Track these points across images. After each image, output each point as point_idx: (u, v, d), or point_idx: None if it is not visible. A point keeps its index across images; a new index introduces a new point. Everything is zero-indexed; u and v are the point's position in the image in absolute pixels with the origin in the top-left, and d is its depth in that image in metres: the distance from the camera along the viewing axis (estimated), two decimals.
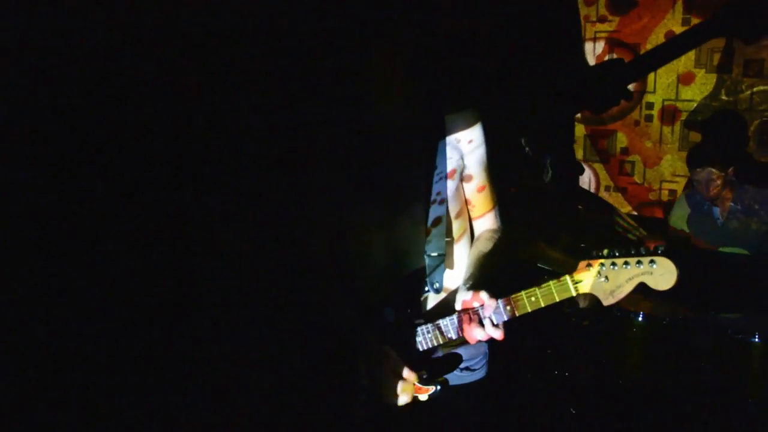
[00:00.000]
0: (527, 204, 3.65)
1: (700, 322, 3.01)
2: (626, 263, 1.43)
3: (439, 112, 1.68)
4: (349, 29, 1.58)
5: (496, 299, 1.53)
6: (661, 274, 1.41)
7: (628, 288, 1.44)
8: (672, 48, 3.98)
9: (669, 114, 4.11)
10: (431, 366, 1.68)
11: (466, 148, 1.70)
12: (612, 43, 4.23)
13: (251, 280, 1.85)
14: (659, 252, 1.40)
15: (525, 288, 1.52)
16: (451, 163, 1.67)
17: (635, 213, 4.30)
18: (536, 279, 1.57)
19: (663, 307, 3.09)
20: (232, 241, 1.88)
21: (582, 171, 4.33)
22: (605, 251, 1.45)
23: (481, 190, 1.76)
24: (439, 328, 1.62)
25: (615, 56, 4.22)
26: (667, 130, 4.14)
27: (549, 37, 4.03)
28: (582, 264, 1.47)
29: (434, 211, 1.66)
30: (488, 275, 1.68)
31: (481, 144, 1.72)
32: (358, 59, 1.59)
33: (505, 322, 1.55)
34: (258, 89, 1.95)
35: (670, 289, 2.84)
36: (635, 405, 3.05)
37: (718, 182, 3.40)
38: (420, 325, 1.65)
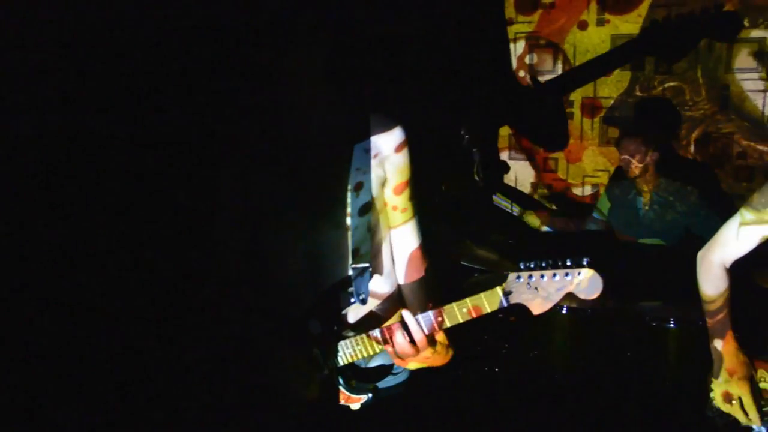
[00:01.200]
0: (456, 203, 3.71)
1: (620, 311, 3.13)
2: (554, 274, 1.48)
3: (358, 115, 1.65)
4: (265, 29, 1.54)
5: (425, 311, 1.56)
6: (587, 285, 1.46)
7: (557, 298, 1.49)
8: (600, 65, 4.15)
9: (588, 111, 4.26)
10: (361, 375, 1.70)
11: (385, 152, 1.65)
12: (532, 43, 4.34)
13: (157, 282, 1.79)
14: (585, 264, 1.45)
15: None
16: (372, 168, 1.64)
17: (555, 208, 4.44)
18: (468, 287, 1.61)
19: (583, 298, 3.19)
20: (142, 242, 1.81)
21: (507, 169, 4.43)
22: (533, 263, 1.49)
23: (399, 197, 1.72)
24: (368, 339, 1.63)
25: (535, 56, 4.33)
26: (587, 126, 4.28)
27: (475, 41, 4.09)
28: (512, 275, 1.51)
29: (358, 218, 1.64)
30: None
31: (402, 149, 1.67)
32: (276, 60, 1.56)
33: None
34: (172, 90, 1.88)
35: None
36: (565, 396, 3.15)
37: (643, 159, 3.52)
38: (348, 335, 1.66)
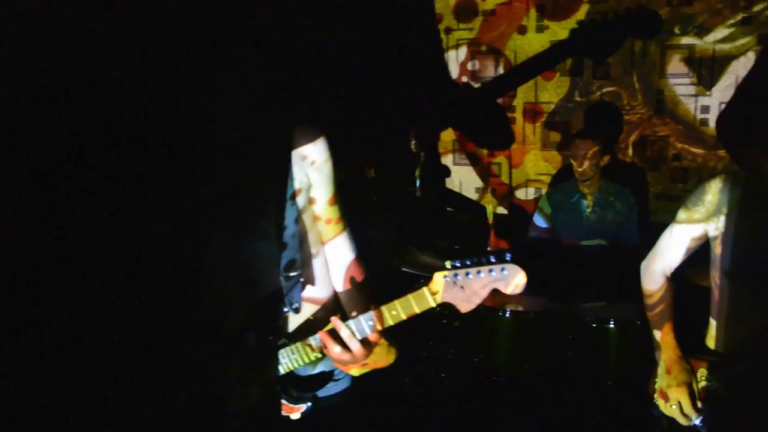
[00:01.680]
0: (398, 209, 3.72)
1: (562, 313, 3.17)
2: (479, 272, 1.49)
3: (283, 126, 1.65)
4: (193, 39, 1.53)
5: (356, 317, 1.55)
6: (512, 279, 1.48)
7: (483, 294, 1.51)
8: (532, 67, 4.23)
9: (530, 116, 4.33)
10: (300, 384, 1.68)
11: (311, 164, 1.66)
12: (473, 50, 4.39)
13: (88, 295, 1.74)
14: (507, 259, 1.47)
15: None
16: (298, 180, 1.64)
17: (505, 212, 4.49)
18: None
19: (527, 301, 3.23)
20: (71, 255, 1.76)
21: (448, 173, 4.47)
22: (458, 262, 1.50)
23: (328, 208, 1.73)
24: (305, 347, 1.62)
25: (477, 63, 4.39)
26: (529, 131, 4.35)
27: (407, 50, 4.12)
28: (438, 275, 1.51)
29: (286, 229, 1.64)
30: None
31: (327, 160, 1.68)
32: (204, 71, 1.55)
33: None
34: (99, 100, 1.84)
35: (533, 285, 2.97)
36: (510, 398, 3.18)
37: (593, 160, 3.58)
38: (285, 345, 1.64)
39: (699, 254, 2.07)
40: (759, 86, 3.63)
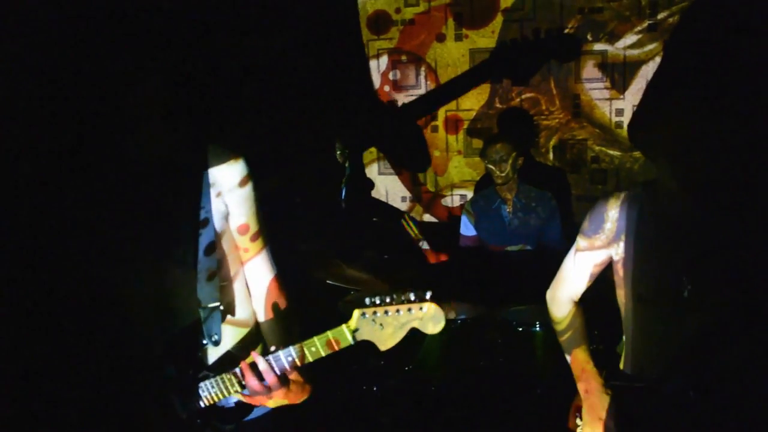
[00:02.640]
0: (323, 222, 3.70)
1: (489, 318, 3.22)
2: (398, 310, 1.51)
3: (198, 148, 1.61)
4: (100, 59, 1.47)
5: (276, 351, 1.55)
6: (431, 319, 1.50)
7: (402, 333, 1.52)
8: (454, 87, 4.31)
9: (452, 124, 4.39)
10: (221, 416, 1.66)
11: (227, 186, 1.64)
12: (394, 59, 4.42)
13: None
14: (427, 298, 1.48)
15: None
16: (214, 202, 1.62)
17: (435, 219, 4.53)
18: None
19: (455, 308, 3.27)
20: None
21: (372, 186, 4.48)
22: (378, 299, 1.50)
23: (247, 230, 1.71)
24: (228, 379, 1.60)
25: (398, 72, 4.41)
26: (452, 139, 4.41)
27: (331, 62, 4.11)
28: (357, 312, 1.52)
29: (203, 255, 1.61)
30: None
31: (246, 180, 1.66)
32: (112, 94, 1.50)
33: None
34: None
35: (462, 291, 2.98)
36: (442, 406, 3.22)
37: (508, 165, 3.65)
38: (206, 378, 1.62)
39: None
40: (662, 90, 3.77)
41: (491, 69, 4.18)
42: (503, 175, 3.68)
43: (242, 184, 1.66)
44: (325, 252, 3.37)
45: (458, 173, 4.48)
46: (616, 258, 1.91)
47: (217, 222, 1.64)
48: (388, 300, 1.50)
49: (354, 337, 1.51)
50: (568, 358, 2.06)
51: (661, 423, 1.82)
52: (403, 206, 4.61)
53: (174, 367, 1.61)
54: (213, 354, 1.69)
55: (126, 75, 1.49)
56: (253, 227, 1.72)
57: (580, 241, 1.98)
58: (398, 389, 3.28)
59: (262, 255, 1.76)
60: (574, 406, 2.09)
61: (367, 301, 1.52)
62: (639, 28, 3.94)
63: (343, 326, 1.52)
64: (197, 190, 1.59)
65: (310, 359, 1.56)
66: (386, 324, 1.51)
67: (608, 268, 1.99)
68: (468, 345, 3.21)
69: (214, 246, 1.62)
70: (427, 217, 4.57)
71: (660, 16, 3.88)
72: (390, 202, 4.62)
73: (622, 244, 1.87)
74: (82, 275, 1.57)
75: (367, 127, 4.36)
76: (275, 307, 1.78)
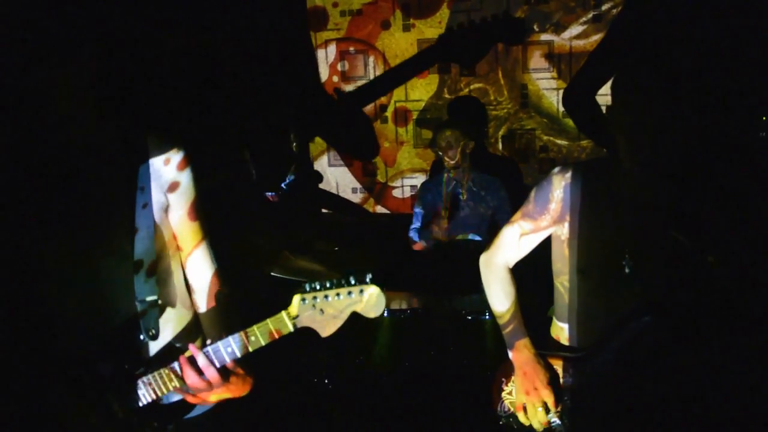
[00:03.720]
0: (271, 213, 3.66)
1: (439, 308, 3.24)
2: (338, 294, 1.49)
3: (136, 136, 1.58)
4: (30, 44, 1.42)
5: (215, 343, 1.51)
6: (371, 302, 1.49)
7: (343, 317, 1.51)
8: (400, 72, 4.31)
9: (401, 114, 4.39)
10: (159, 415, 1.62)
11: (167, 177, 1.61)
12: (342, 50, 4.42)
13: None
14: (367, 281, 1.46)
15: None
16: (152, 194, 1.58)
17: (387, 210, 4.53)
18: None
19: (405, 299, 3.28)
20: None
21: (321, 179, 4.45)
22: (317, 284, 1.48)
23: (186, 222, 1.68)
24: (164, 376, 1.56)
25: (347, 63, 4.39)
26: (401, 130, 4.42)
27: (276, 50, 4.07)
28: (296, 298, 1.50)
29: (141, 248, 1.57)
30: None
31: (183, 170, 1.64)
32: (42, 79, 1.45)
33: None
34: None
35: (411, 281, 2.96)
36: (395, 396, 3.23)
37: (458, 151, 3.66)
38: (144, 374, 1.57)
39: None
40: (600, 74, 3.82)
41: (438, 53, 4.19)
42: (453, 161, 3.70)
43: (181, 175, 1.63)
44: (272, 244, 3.33)
45: (408, 164, 4.49)
46: (562, 237, 1.92)
47: (157, 214, 1.61)
48: (328, 285, 1.48)
49: (294, 324, 1.49)
50: (510, 350, 2.05)
51: (592, 393, 1.85)
52: (355, 198, 4.61)
53: (110, 364, 1.57)
54: (153, 348, 1.65)
55: (54, 65, 1.45)
56: (193, 220, 1.69)
57: (524, 224, 1.98)
58: (350, 381, 3.28)
59: (201, 248, 1.73)
60: (499, 374, 2.12)
61: (307, 286, 1.49)
62: (584, 18, 4.01)
63: (283, 313, 1.49)
64: (135, 181, 1.55)
65: (251, 349, 1.53)
66: (326, 309, 1.49)
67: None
68: (418, 335, 3.22)
69: (153, 239, 1.59)
70: (379, 209, 4.57)
71: (604, 7, 3.97)
72: (341, 194, 4.61)
73: (566, 224, 1.89)
74: (11, 269, 1.52)
75: (314, 117, 4.32)
76: (217, 298, 1.75)
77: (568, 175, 1.89)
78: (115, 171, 1.55)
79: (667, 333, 1.82)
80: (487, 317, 3.16)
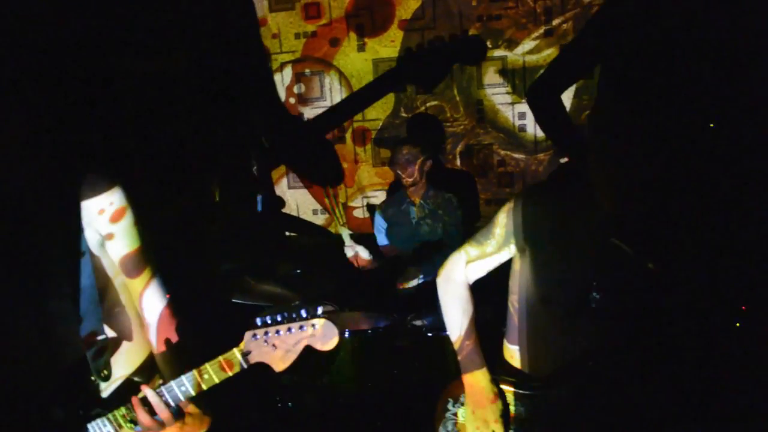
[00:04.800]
0: (233, 238, 3.68)
1: (399, 326, 3.28)
2: (290, 329, 1.53)
3: (69, 175, 1.58)
4: None
5: (168, 383, 1.54)
6: (324, 335, 1.53)
7: (296, 351, 1.55)
8: (363, 97, 4.39)
9: (360, 134, 4.46)
10: None
11: (104, 215, 1.60)
12: (298, 72, 4.48)
13: None
14: (319, 314, 1.50)
15: None
16: (91, 233, 1.59)
17: (351, 231, 4.57)
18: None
19: (366, 319, 3.32)
20: None
21: (283, 204, 4.49)
22: (269, 318, 1.52)
23: (131, 259, 1.68)
24: (118, 416, 1.58)
25: (303, 85, 4.44)
26: (360, 149, 4.48)
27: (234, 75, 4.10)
28: (248, 335, 1.54)
29: (84, 290, 1.58)
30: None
31: (125, 209, 1.63)
32: None
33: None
34: None
35: (369, 300, 2.97)
36: (361, 418, 3.27)
37: (416, 168, 3.72)
38: (99, 415, 1.59)
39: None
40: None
41: (397, 77, 4.27)
42: (411, 179, 3.76)
43: (115, 227, 1.62)
44: (233, 271, 3.35)
45: (368, 183, 4.56)
46: (515, 266, 1.97)
47: (96, 250, 1.61)
48: (279, 319, 1.53)
49: (246, 360, 1.53)
50: (464, 373, 2.06)
51: (548, 424, 1.88)
52: (316, 219, 4.66)
53: (62, 407, 1.57)
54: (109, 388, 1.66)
55: None
56: (135, 267, 1.69)
57: (471, 251, 2.02)
58: (313, 403, 3.31)
59: (152, 285, 1.73)
60: (447, 392, 2.12)
61: (258, 321, 1.53)
62: (536, 34, 4.13)
63: (235, 350, 1.53)
64: (72, 220, 1.55)
65: (205, 387, 1.55)
66: (279, 344, 1.53)
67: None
68: (380, 354, 3.27)
69: (93, 277, 1.59)
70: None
71: (555, 22, 4.07)
72: (302, 216, 4.65)
73: (512, 246, 1.93)
74: None
75: (273, 144, 4.35)
76: (167, 339, 1.75)
77: (512, 201, 1.94)
78: (52, 212, 1.55)
79: (626, 372, 1.84)
80: (447, 333, 3.20)
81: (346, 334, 3.21)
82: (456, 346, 2.07)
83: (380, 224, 4.02)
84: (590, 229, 1.83)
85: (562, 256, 1.86)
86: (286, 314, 1.53)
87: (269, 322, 1.52)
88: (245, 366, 1.53)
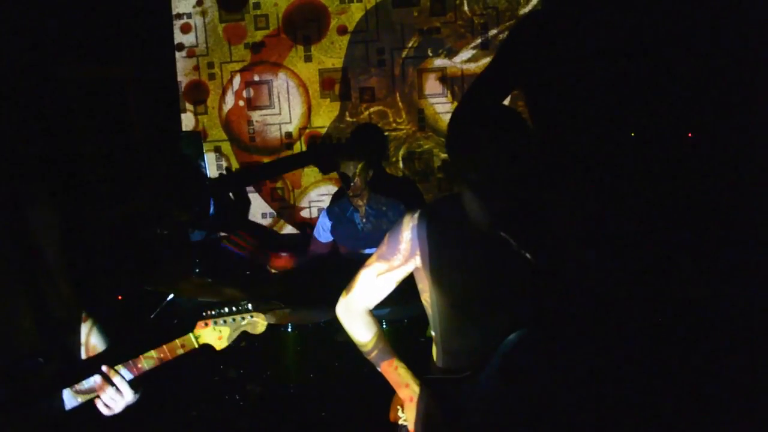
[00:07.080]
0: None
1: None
2: (233, 319, 2.04)
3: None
4: None
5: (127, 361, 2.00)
6: (257, 324, 2.09)
7: (235, 335, 2.07)
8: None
9: (308, 140, 4.94)
10: None
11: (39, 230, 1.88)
12: (247, 80, 4.94)
13: None
14: (249, 309, 2.04)
15: None
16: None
17: (297, 231, 5.03)
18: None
19: (306, 315, 3.72)
20: None
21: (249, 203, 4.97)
22: (215, 311, 2.03)
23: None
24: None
25: (252, 92, 4.90)
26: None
27: None
28: (200, 323, 2.04)
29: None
30: None
31: (53, 225, 1.92)
32: None
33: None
34: None
35: (315, 296, 3.41)
36: (307, 407, 3.69)
37: (359, 177, 4.11)
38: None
39: None
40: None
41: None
42: (354, 186, 4.17)
43: (49, 227, 1.93)
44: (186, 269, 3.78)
45: (314, 187, 5.01)
46: (423, 272, 2.22)
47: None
48: (222, 311, 2.05)
49: (197, 341, 2.04)
50: (379, 369, 2.33)
51: (477, 410, 2.11)
52: (265, 222, 5.08)
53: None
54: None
55: None
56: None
57: (379, 265, 2.27)
58: (258, 395, 3.71)
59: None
60: (396, 401, 2.39)
61: (208, 312, 2.05)
62: (473, 44, 4.63)
63: (190, 334, 2.04)
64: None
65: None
66: (223, 330, 2.05)
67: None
68: (322, 347, 3.68)
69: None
70: (290, 229, 5.06)
71: (491, 33, 4.59)
72: (251, 219, 5.09)
73: (418, 258, 2.20)
74: None
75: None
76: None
77: (416, 216, 2.20)
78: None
79: (544, 342, 2.08)
80: (384, 326, 3.51)
81: (289, 329, 3.65)
82: (364, 350, 2.36)
83: (325, 224, 4.45)
84: (484, 232, 2.08)
85: (463, 261, 2.13)
86: (226, 308, 2.07)
87: (214, 314, 2.06)
88: (197, 345, 2.04)
